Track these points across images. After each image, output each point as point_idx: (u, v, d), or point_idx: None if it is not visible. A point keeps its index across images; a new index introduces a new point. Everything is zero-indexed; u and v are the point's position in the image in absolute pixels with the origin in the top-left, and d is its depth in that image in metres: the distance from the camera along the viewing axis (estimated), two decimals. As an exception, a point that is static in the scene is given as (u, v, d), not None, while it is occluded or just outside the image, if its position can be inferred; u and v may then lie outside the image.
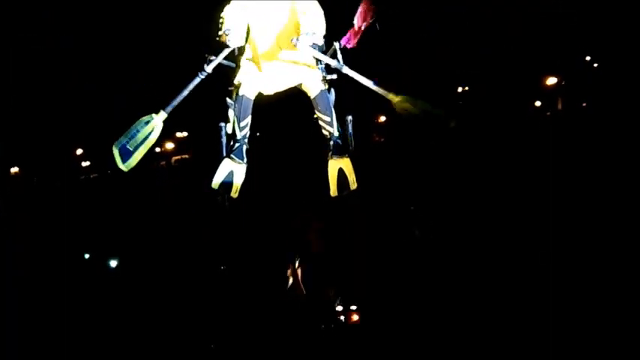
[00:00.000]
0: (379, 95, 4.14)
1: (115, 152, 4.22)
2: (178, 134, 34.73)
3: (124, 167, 4.20)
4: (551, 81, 24.94)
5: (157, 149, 33.02)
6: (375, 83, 4.10)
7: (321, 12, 4.01)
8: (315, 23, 3.86)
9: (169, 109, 4.37)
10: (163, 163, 30.59)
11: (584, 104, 21.60)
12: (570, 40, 21.52)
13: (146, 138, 4.23)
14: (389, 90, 4.21)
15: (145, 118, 4.31)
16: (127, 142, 4.27)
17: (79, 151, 29.21)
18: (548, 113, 22.83)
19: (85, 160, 30.20)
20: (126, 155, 4.21)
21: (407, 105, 4.01)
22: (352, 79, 4.15)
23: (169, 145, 33.61)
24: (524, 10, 17.78)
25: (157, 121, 4.40)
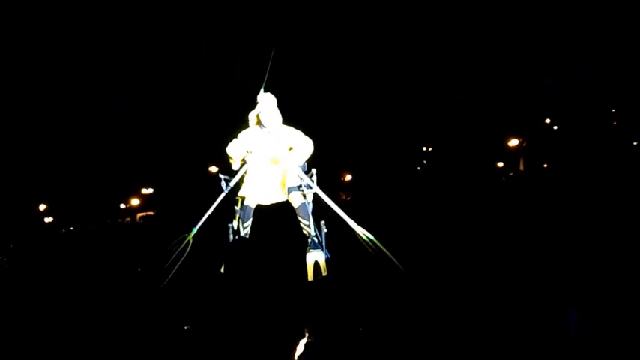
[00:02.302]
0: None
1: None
2: (144, 191, 34.17)
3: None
4: (514, 143, 25.76)
5: (122, 205, 32.40)
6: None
7: (311, 145, 5.09)
8: (304, 154, 5.05)
9: (197, 227, 4.95)
10: (128, 219, 30.02)
11: (545, 165, 22.24)
12: (532, 103, 22.27)
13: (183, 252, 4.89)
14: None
15: (182, 238, 4.89)
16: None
17: (43, 207, 28.44)
18: (511, 174, 23.45)
19: (48, 217, 29.45)
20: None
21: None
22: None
23: (134, 202, 32.96)
24: (523, 10, 18.28)
25: (190, 238, 5.07)
